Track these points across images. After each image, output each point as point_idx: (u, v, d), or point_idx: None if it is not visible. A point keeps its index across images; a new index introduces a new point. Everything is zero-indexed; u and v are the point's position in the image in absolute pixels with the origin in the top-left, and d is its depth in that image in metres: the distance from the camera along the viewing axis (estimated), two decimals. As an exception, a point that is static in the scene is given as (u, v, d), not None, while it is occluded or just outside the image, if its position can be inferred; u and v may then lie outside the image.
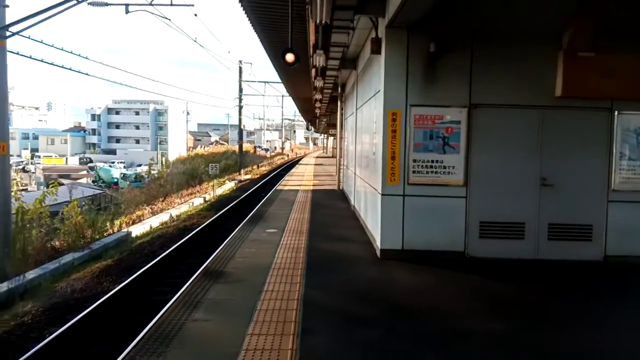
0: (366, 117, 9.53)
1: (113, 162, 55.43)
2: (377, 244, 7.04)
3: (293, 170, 29.93)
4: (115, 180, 35.76)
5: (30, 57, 12.55)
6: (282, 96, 51.61)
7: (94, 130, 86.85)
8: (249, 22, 10.77)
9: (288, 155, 73.05)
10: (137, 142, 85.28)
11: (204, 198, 20.58)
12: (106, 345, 5.93)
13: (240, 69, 34.74)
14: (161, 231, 13.52)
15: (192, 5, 15.37)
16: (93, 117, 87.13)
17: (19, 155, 64.75)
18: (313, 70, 11.67)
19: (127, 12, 13.88)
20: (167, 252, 9.87)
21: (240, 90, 35.00)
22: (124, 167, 51.32)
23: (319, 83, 13.39)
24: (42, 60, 13.13)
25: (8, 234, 9.43)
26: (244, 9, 9.81)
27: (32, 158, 57.98)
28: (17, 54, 11.72)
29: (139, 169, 43.41)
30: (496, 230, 6.87)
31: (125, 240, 12.26)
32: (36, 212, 10.78)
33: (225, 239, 8.73)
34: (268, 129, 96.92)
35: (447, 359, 3.90)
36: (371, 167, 8.30)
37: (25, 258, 9.26)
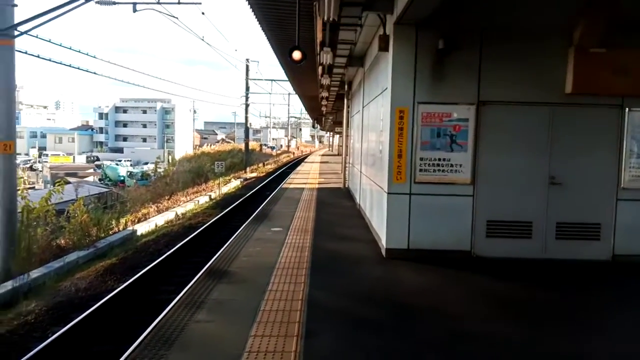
0: (373, 114, 9.43)
1: (120, 161, 55.69)
2: (383, 243, 6.95)
3: (299, 168, 29.88)
4: (122, 178, 35.90)
5: (38, 57, 12.56)
6: (289, 94, 51.60)
7: (101, 128, 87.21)
8: (256, 20, 10.71)
9: (294, 153, 72.99)
10: (144, 140, 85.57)
11: (210, 196, 20.57)
12: (109, 345, 5.90)
13: (247, 67, 34.68)
14: (166, 229, 13.50)
15: (200, 3, 15.34)
16: (101, 115, 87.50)
17: (27, 154, 65.20)
18: (320, 68, 11.59)
19: (134, 10, 13.86)
20: (172, 250, 9.84)
21: (247, 88, 34.94)
22: (131, 165, 51.53)
23: (325, 81, 13.30)
24: (50, 60, 13.12)
25: (14, 233, 9.42)
26: (251, 7, 9.75)
27: (39, 156, 58.32)
28: (25, 53, 11.73)
29: (145, 167, 43.52)
30: (503, 230, 6.76)
31: (131, 239, 12.24)
32: (42, 211, 10.78)
33: (230, 237, 8.68)
34: (274, 127, 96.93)
35: (454, 362, 3.82)
36: (377, 165, 8.20)
37: (30, 257, 9.24)
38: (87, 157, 63.09)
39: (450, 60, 6.55)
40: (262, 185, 23.92)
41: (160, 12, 13.96)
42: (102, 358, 5.53)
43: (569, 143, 6.69)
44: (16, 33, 9.59)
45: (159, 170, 28.99)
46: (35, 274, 8.39)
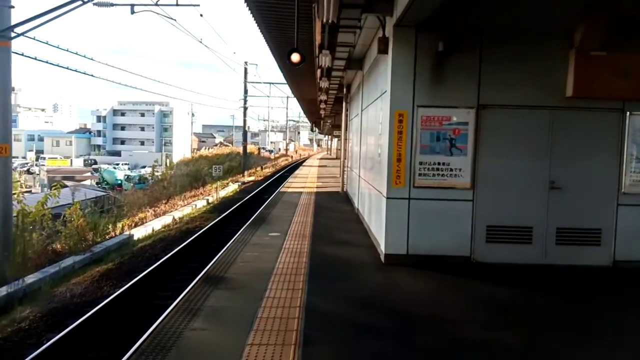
0: (372, 118, 9.37)
1: (117, 164, 55.58)
2: (382, 248, 6.87)
3: (297, 172, 29.82)
4: (119, 182, 35.75)
5: (35, 59, 12.50)
6: (287, 97, 51.54)
7: (99, 131, 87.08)
8: (255, 22, 10.66)
9: (292, 156, 72.97)
10: (142, 143, 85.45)
11: (207, 200, 20.47)
12: (104, 351, 5.81)
13: (246, 70, 34.66)
14: (163, 234, 13.39)
15: (198, 5, 15.28)
16: (98, 118, 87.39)
17: (24, 157, 65.04)
18: (318, 71, 11.53)
19: (132, 12, 13.78)
20: (169, 255, 9.74)
21: (246, 91, 34.91)
22: (129, 168, 51.38)
23: (324, 84, 13.24)
24: (47, 62, 13.07)
25: (8, 237, 9.32)
26: (249, 9, 9.70)
27: (37, 160, 58.17)
28: (22, 55, 11.67)
29: (143, 171, 43.38)
30: (503, 235, 6.69)
31: (127, 243, 12.13)
32: (38, 215, 10.68)
33: (227, 242, 8.59)
34: (272, 131, 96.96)
35: (455, 372, 3.74)
36: (376, 169, 8.13)
37: (25, 261, 9.14)
38: (85, 161, 62.92)
39: (450, 63, 6.49)
40: (260, 189, 23.83)
41: (158, 13, 13.89)
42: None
43: (569, 147, 6.64)
44: (13, 35, 9.53)
45: (156, 174, 28.87)
46: (30, 279, 8.29)
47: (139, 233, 13.28)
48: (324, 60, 9.11)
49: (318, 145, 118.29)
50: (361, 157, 11.44)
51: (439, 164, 6.57)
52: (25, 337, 6.28)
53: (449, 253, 6.62)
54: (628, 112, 6.61)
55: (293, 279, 5.89)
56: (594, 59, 6.33)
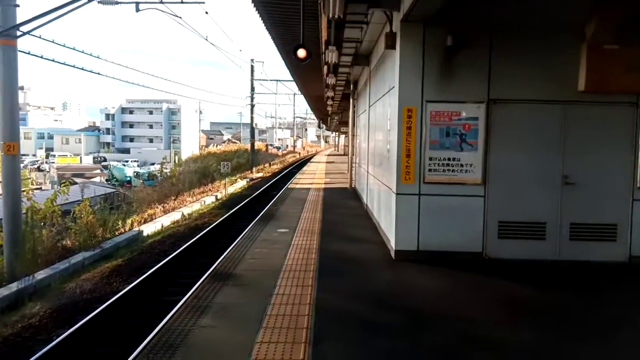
0: (379, 114, 9.29)
1: (127, 161, 55.86)
2: (392, 244, 6.81)
3: (305, 168, 29.77)
4: (128, 178, 35.93)
5: (41, 57, 12.52)
6: (294, 94, 51.57)
7: (108, 129, 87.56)
8: (260, 19, 10.61)
9: (300, 153, 72.93)
10: (151, 141, 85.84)
11: (216, 196, 20.50)
12: (113, 348, 5.81)
13: (252, 67, 34.63)
14: (172, 230, 13.43)
15: (203, 2, 15.21)
16: (107, 116, 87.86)
17: (34, 155, 65.56)
18: (325, 68, 11.47)
19: (137, 10, 13.76)
20: (178, 251, 9.75)
21: (252, 88, 34.90)
22: (138, 165, 51.62)
23: (331, 80, 13.18)
24: (53, 60, 13.08)
25: (18, 234, 9.36)
26: (255, 6, 9.65)
27: (47, 157, 58.61)
28: (29, 53, 11.69)
29: (152, 168, 43.57)
30: (516, 231, 6.60)
31: (137, 240, 12.17)
32: (47, 212, 10.73)
33: (235, 238, 8.57)
34: (280, 127, 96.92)
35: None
36: (385, 165, 8.06)
37: (35, 258, 9.18)
38: (94, 158, 63.30)
39: (459, 58, 6.40)
40: (268, 185, 23.82)
41: (163, 11, 13.86)
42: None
43: (582, 142, 6.53)
44: (18, 33, 9.54)
45: (165, 170, 28.96)
46: (40, 275, 8.33)
47: (148, 229, 13.31)
48: (331, 56, 9.04)
49: (325, 142, 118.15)
50: (369, 153, 11.37)
51: (449, 159, 6.49)
52: (35, 333, 6.32)
53: (461, 249, 6.55)
54: (642, 106, 6.49)
55: (302, 275, 5.85)
56: (607, 52, 6.21)
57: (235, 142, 67.32)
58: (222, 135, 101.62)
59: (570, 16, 6.27)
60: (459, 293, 5.44)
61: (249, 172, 32.71)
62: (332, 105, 22.38)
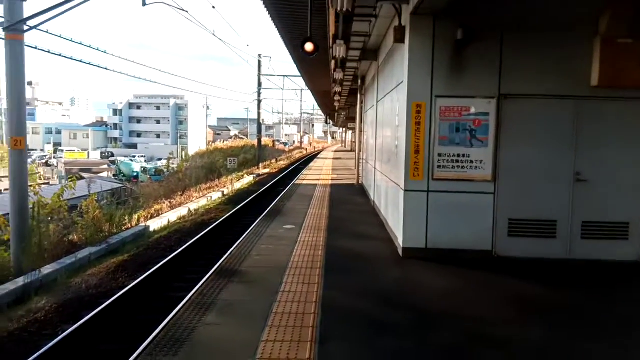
0: (388, 109, 9.18)
1: (134, 156, 56.05)
2: (399, 242, 6.72)
3: (311, 164, 29.70)
4: (136, 174, 36.01)
5: (48, 52, 12.53)
6: (301, 90, 51.40)
7: (115, 124, 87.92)
8: (268, 13, 10.53)
9: (306, 149, 72.82)
10: (158, 136, 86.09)
11: (223, 192, 20.49)
12: (118, 344, 5.78)
13: (260, 62, 34.52)
14: (179, 225, 13.41)
15: (210, -5, 15.10)
16: (115, 112, 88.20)
17: (42, 150, 65.98)
18: (333, 62, 11.37)
19: (144, 4, 13.66)
20: (184, 247, 9.72)
21: (260, 84, 34.81)
22: (145, 161, 51.77)
23: (338, 75, 13.07)
24: (60, 55, 13.07)
25: (25, 229, 9.36)
26: (262, 0, 9.56)
27: (55, 152, 58.96)
28: (36, 48, 11.68)
29: (159, 163, 43.66)
30: (526, 229, 6.49)
31: (143, 235, 12.17)
32: (54, 207, 10.74)
33: (242, 234, 8.51)
34: (287, 123, 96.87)
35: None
36: (393, 161, 7.96)
37: (41, 252, 9.18)
38: (102, 153, 63.55)
39: (470, 52, 6.27)
40: (274, 181, 23.78)
41: (169, 5, 13.77)
42: (110, 358, 5.40)
43: (595, 138, 6.39)
44: (26, 28, 9.51)
45: (172, 166, 28.98)
46: (46, 270, 8.34)
47: (154, 225, 13.31)
48: (339, 50, 8.94)
49: (332, 138, 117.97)
50: (377, 149, 11.27)
51: (458, 155, 6.37)
52: (41, 327, 6.30)
53: (470, 247, 6.44)
54: (657, 102, 6.34)
55: (309, 272, 5.78)
56: (621, 46, 6.06)
57: (242, 138, 67.32)
58: (229, 130, 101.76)
59: (583, 9, 6.13)
60: (467, 292, 5.35)
61: (256, 168, 32.69)
62: (340, 101, 22.27)
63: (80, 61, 14.09)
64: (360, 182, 16.23)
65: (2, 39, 9.42)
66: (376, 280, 5.67)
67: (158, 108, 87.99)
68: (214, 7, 16.17)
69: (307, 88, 30.80)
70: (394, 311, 4.68)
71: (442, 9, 5.96)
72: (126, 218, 13.10)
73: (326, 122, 65.27)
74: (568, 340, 4.09)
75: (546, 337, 4.15)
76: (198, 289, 5.35)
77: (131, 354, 4.53)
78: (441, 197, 6.44)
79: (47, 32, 11.04)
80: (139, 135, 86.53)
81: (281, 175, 27.27)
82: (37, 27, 9.96)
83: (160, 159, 51.14)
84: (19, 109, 9.55)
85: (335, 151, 53.68)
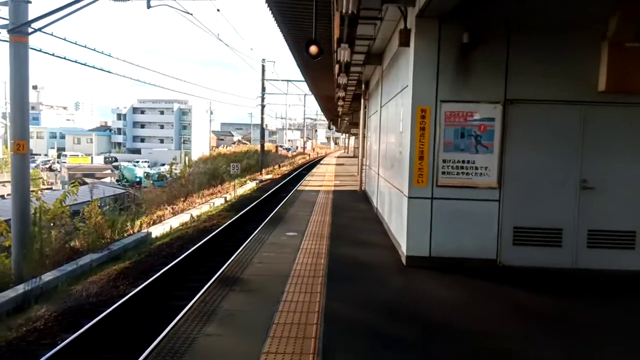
0: (392, 114, 9.10)
1: (137, 161, 56.11)
2: (403, 250, 6.62)
3: (314, 170, 29.62)
4: (139, 179, 36.01)
5: (53, 55, 12.55)
6: (305, 95, 51.40)
7: (119, 129, 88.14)
8: (273, 17, 10.49)
9: (309, 154, 72.82)
10: (162, 141, 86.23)
11: (225, 198, 20.41)
12: (117, 353, 5.69)
13: (263, 67, 34.56)
14: (181, 232, 13.33)
15: None
16: (119, 116, 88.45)
17: (46, 154, 66.10)
18: (337, 67, 11.31)
19: (148, 6, 13.65)
20: (185, 254, 9.63)
21: (263, 89, 34.81)
22: (148, 166, 51.83)
23: (342, 80, 13.02)
24: (64, 58, 13.09)
25: (26, 235, 9.29)
26: (267, 4, 9.53)
27: (58, 157, 59.10)
28: (40, 51, 11.68)
29: (162, 168, 43.70)
30: (531, 237, 6.37)
31: (145, 241, 12.09)
32: (56, 212, 10.67)
33: (244, 241, 8.43)
34: (290, 129, 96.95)
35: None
36: (396, 167, 7.87)
37: (42, 259, 9.11)
38: (105, 158, 63.68)
39: (476, 56, 6.19)
40: (277, 187, 23.70)
41: (174, 8, 13.76)
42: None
43: (602, 145, 6.28)
44: (30, 30, 9.47)
45: (174, 171, 28.96)
46: (47, 277, 8.25)
47: (156, 231, 13.24)
48: (343, 54, 8.87)
49: (335, 144, 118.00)
50: (380, 154, 11.18)
51: (463, 161, 6.28)
52: (40, 337, 6.21)
53: (474, 256, 6.33)
54: (666, 108, 6.23)
55: (311, 281, 5.67)
56: (629, 50, 5.96)
57: (245, 143, 67.41)
58: (233, 136, 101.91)
59: (591, 13, 6.04)
60: (472, 302, 5.23)
61: (259, 173, 32.63)
62: (343, 106, 22.23)
63: (84, 64, 14.08)
64: (363, 188, 16.13)
65: (6, 41, 9.38)
66: (380, 290, 5.56)
67: (162, 113, 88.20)
68: (218, 10, 16.22)
69: (310, 93, 30.81)
70: (397, 322, 4.57)
71: (448, 12, 5.88)
72: (128, 224, 13.03)
73: (329, 128, 65.27)
74: (575, 352, 3.98)
75: (553, 349, 4.04)
76: (199, 297, 5.26)
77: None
78: (445, 204, 6.33)
79: (51, 34, 11.05)
80: (142, 140, 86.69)
81: (284, 181, 27.19)
82: (42, 30, 9.94)
83: (163, 164, 51.20)
84: (22, 112, 9.50)
85: (338, 157, 53.61)
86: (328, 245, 7.67)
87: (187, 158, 41.37)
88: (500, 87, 6.22)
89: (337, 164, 35.25)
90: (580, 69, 6.18)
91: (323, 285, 5.51)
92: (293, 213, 11.12)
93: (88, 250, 10.32)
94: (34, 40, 9.73)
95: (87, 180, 29.31)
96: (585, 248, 6.36)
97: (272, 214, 11.19)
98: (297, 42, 12.21)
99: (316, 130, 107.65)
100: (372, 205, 12.29)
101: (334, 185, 18.19)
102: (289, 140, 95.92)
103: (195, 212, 16.44)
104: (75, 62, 12.89)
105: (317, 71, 16.53)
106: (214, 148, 59.54)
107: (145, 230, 13.01)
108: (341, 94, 16.54)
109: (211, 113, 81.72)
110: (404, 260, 6.53)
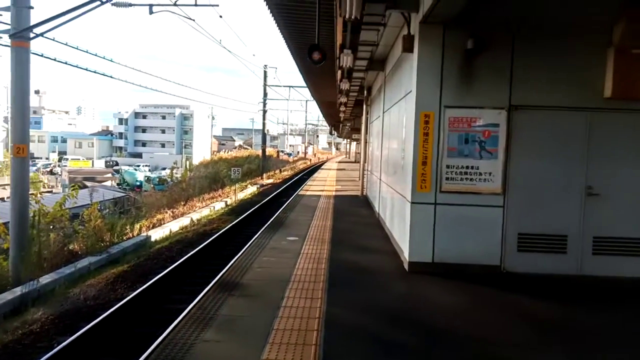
0: (395, 120, 9.04)
1: (138, 166, 56.10)
2: (405, 255, 6.53)
3: (315, 175, 29.55)
4: (139, 183, 35.97)
5: (54, 60, 12.53)
6: (306, 101, 51.50)
7: (121, 134, 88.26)
8: (275, 23, 10.49)
9: (310, 160, 72.80)
10: (163, 145, 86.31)
11: (226, 202, 20.33)
12: (114, 357, 5.61)
13: (265, 73, 34.60)
14: (180, 236, 13.24)
15: (217, 5, 15.11)
16: (120, 121, 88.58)
17: (47, 158, 66.16)
18: (339, 72, 11.29)
19: (150, 12, 13.70)
20: (185, 258, 9.55)
21: (265, 94, 34.84)
22: (149, 170, 51.79)
23: (344, 85, 13.00)
24: (66, 63, 13.07)
25: (24, 238, 9.22)
26: (269, 10, 9.52)
27: (59, 161, 59.08)
28: (42, 55, 11.66)
29: (163, 172, 43.67)
30: (536, 243, 6.30)
31: (144, 245, 12.00)
32: (55, 215, 10.61)
33: (244, 245, 8.35)
34: (291, 134, 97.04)
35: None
36: (399, 173, 7.80)
37: (40, 262, 9.03)
38: (106, 162, 63.66)
39: (480, 62, 6.14)
40: (278, 191, 23.64)
41: (176, 14, 13.77)
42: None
43: (607, 151, 6.22)
44: (32, 35, 9.45)
45: (175, 175, 28.92)
46: (45, 279, 8.18)
47: (156, 234, 13.15)
48: (345, 60, 8.83)
49: (336, 149, 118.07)
50: (382, 160, 11.11)
51: (467, 167, 6.21)
52: (36, 339, 6.13)
53: (478, 262, 6.25)
54: (672, 115, 6.16)
55: (312, 287, 5.59)
56: (635, 57, 5.91)
57: (247, 148, 67.35)
58: (234, 141, 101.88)
59: (597, 19, 6.00)
60: (475, 309, 5.14)
61: (260, 178, 32.58)
62: (345, 112, 22.22)
63: (86, 69, 14.11)
64: (364, 193, 16.06)
65: (8, 46, 9.37)
66: (381, 295, 5.47)
67: (163, 117, 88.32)
68: (221, 17, 16.18)
69: (312, 99, 30.83)
70: (399, 328, 4.49)
71: (452, 18, 5.84)
72: (127, 227, 12.95)
73: (330, 133, 65.33)
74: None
75: (556, 357, 3.95)
76: (197, 302, 5.18)
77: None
78: (449, 210, 6.26)
79: (53, 39, 11.01)
80: (144, 145, 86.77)
81: (285, 186, 27.12)
82: (44, 35, 9.91)
83: (164, 168, 51.20)
84: (23, 116, 9.45)
85: (339, 162, 53.54)
86: (329, 250, 7.59)
87: (188, 162, 41.35)
88: (504, 93, 6.16)
89: (338, 169, 35.19)
90: (586, 75, 6.13)
91: (324, 291, 5.43)
92: (294, 217, 11.04)
93: (87, 253, 10.24)
94: (36, 45, 9.70)
95: (88, 183, 29.27)
96: (590, 255, 6.29)
97: (272, 219, 11.12)
98: (300, 47, 12.20)
99: (317, 136, 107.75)
100: (373, 211, 12.21)
101: (335, 190, 18.12)
102: (290, 146, 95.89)
103: (195, 216, 16.36)
104: (77, 67, 12.89)
105: (319, 77, 16.54)
106: (215, 153, 59.53)
107: (144, 234, 12.93)
108: (343, 99, 16.53)
109: (213, 118, 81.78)
110: (406, 266, 6.44)
